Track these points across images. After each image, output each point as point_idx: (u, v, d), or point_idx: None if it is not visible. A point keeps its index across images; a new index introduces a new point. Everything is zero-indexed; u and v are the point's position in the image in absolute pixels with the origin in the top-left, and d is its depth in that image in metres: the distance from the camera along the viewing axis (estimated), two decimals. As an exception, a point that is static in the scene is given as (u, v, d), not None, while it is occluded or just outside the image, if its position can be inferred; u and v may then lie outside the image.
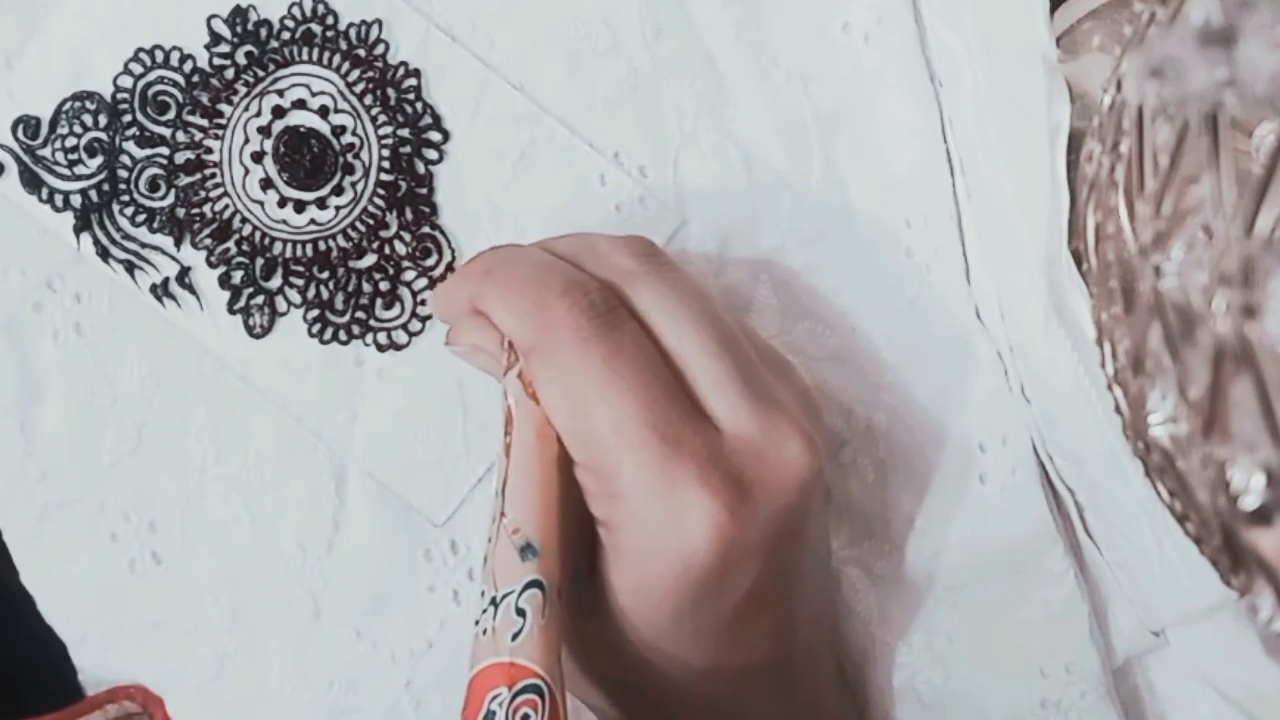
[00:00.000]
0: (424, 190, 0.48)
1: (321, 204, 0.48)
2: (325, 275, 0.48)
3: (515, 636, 0.38)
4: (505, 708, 0.37)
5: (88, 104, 0.47)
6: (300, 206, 0.48)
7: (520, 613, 0.38)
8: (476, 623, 0.39)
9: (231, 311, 0.48)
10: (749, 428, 0.40)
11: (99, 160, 0.47)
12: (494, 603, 0.38)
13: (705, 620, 0.40)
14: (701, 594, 0.39)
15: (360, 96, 0.48)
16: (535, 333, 0.40)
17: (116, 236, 0.47)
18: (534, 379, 0.41)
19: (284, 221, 0.48)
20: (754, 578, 0.40)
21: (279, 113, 0.48)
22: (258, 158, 0.48)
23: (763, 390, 0.41)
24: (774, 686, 0.44)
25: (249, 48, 0.48)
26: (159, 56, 0.47)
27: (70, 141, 0.47)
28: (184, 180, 0.48)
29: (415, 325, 0.49)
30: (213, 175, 0.48)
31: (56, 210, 0.47)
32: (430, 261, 0.48)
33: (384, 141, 0.48)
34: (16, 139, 0.47)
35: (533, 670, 0.37)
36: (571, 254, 0.43)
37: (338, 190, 0.48)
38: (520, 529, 0.39)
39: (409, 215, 0.48)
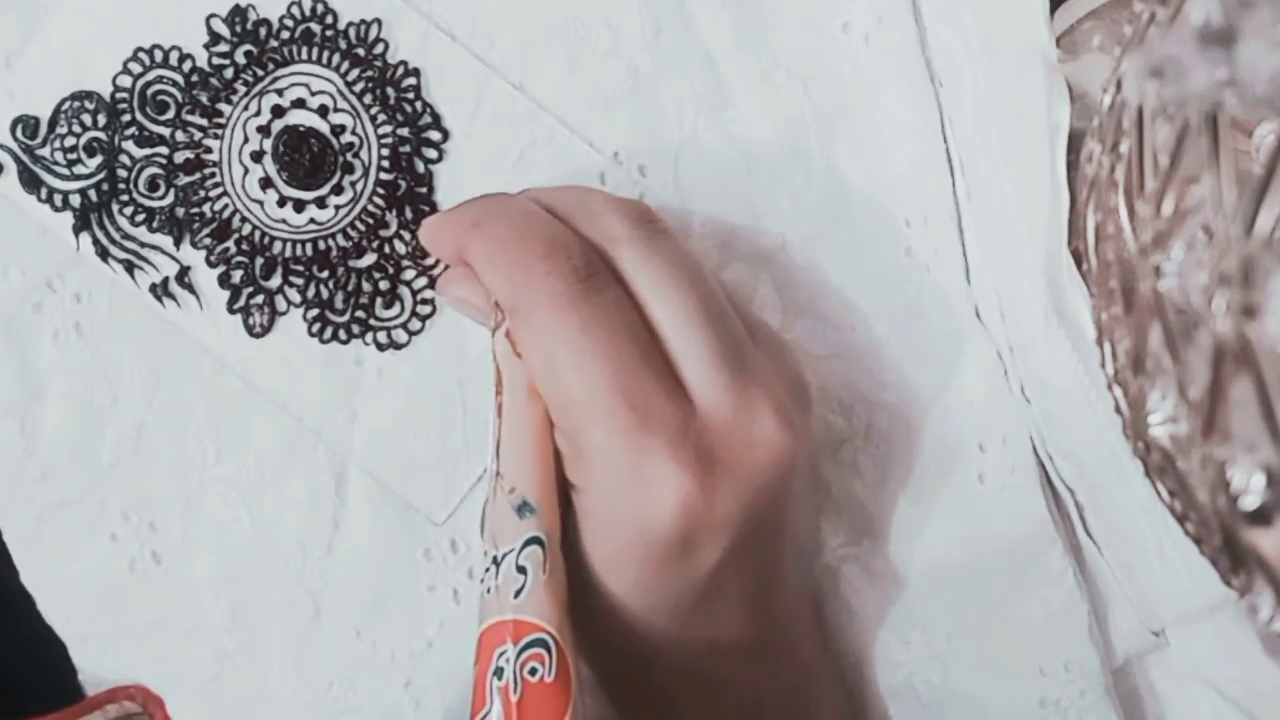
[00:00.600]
0: (424, 189, 0.48)
1: (321, 203, 0.48)
2: (325, 274, 0.48)
3: (518, 593, 0.38)
4: (512, 664, 0.37)
5: (87, 103, 0.47)
6: (300, 206, 0.48)
7: (521, 570, 0.38)
8: (481, 581, 0.39)
9: (231, 311, 0.48)
10: (723, 403, 0.39)
11: (98, 160, 0.47)
12: (495, 561, 0.39)
13: (669, 592, 0.40)
14: (664, 566, 0.39)
15: (360, 96, 0.48)
16: (516, 293, 0.40)
17: (116, 236, 0.47)
18: (515, 340, 0.41)
19: (284, 221, 0.48)
20: (721, 555, 0.40)
21: (278, 112, 0.48)
22: (257, 157, 0.48)
23: (743, 366, 0.40)
24: (749, 664, 0.44)
25: (248, 47, 0.48)
26: (158, 56, 0.47)
27: (69, 141, 0.47)
28: (183, 180, 0.48)
29: (415, 324, 0.49)
30: (212, 175, 0.48)
31: (56, 210, 0.47)
32: (430, 260, 0.48)
33: (383, 141, 0.48)
34: (16, 139, 0.47)
35: (537, 625, 0.38)
36: (564, 210, 0.42)
37: (337, 189, 0.48)
38: (516, 488, 0.40)
39: (409, 214, 0.48)
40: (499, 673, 0.38)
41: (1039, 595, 0.48)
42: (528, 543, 0.39)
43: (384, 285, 0.48)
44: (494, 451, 0.41)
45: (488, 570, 0.39)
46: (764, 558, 0.43)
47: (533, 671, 0.37)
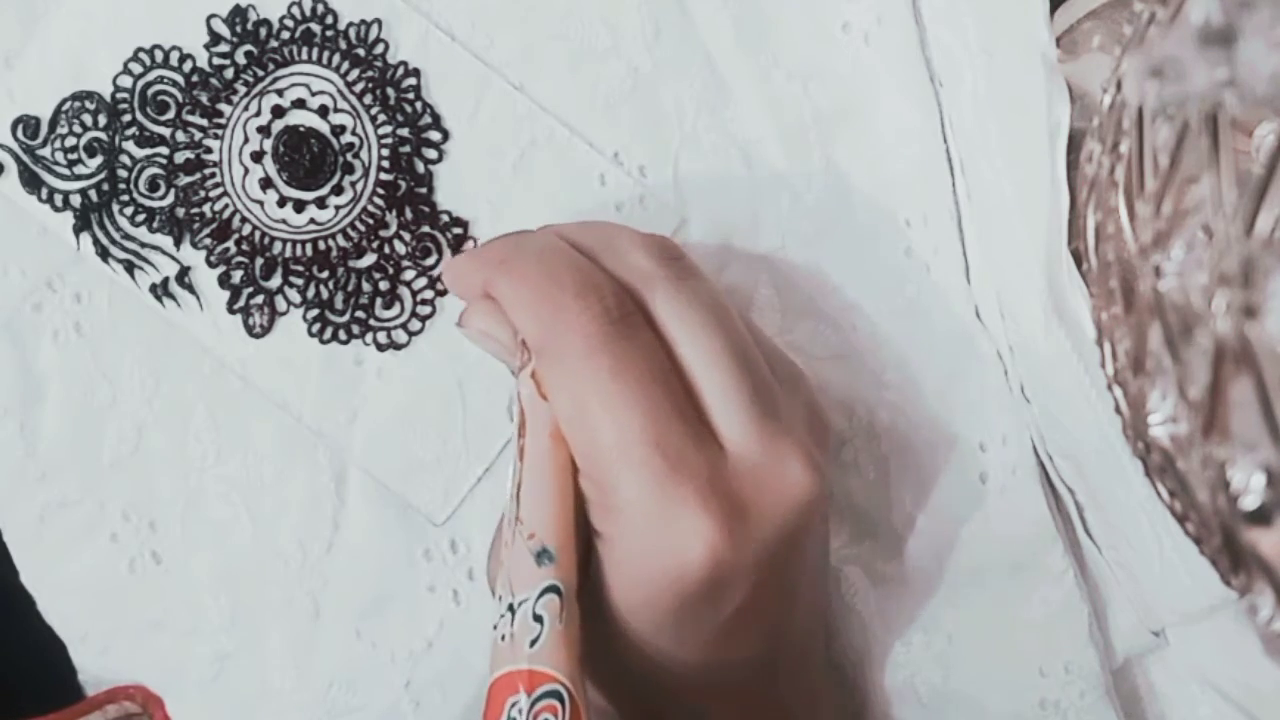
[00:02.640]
0: (424, 190, 0.48)
1: (321, 203, 0.48)
2: (325, 275, 0.48)
3: (533, 643, 0.37)
4: (525, 714, 0.37)
5: (87, 104, 0.47)
6: (300, 206, 0.48)
7: (538, 619, 0.38)
8: (494, 628, 0.39)
9: (231, 311, 0.48)
10: (754, 449, 0.39)
11: (99, 160, 0.47)
12: (511, 609, 0.38)
13: (695, 630, 0.40)
14: (691, 610, 0.39)
15: (360, 96, 0.48)
16: (546, 334, 0.39)
17: (116, 236, 0.47)
18: (543, 381, 0.40)
19: (284, 221, 0.48)
20: (746, 595, 0.40)
21: (278, 112, 0.48)
22: (257, 157, 0.48)
23: (771, 411, 0.40)
24: (760, 676, 0.44)
25: (248, 47, 0.48)
26: (158, 56, 0.47)
27: (70, 141, 0.47)
28: (184, 180, 0.48)
29: (415, 325, 0.49)
30: (212, 175, 0.48)
31: (56, 210, 0.47)
32: (430, 261, 0.48)
33: (383, 141, 0.48)
34: (16, 139, 0.47)
35: (552, 675, 0.37)
36: (590, 247, 0.42)
37: (337, 190, 0.48)
38: (536, 534, 0.39)
39: (409, 215, 0.48)
40: None
41: (1039, 596, 0.48)
42: (545, 591, 0.38)
43: (384, 285, 0.48)
44: (514, 495, 0.40)
45: (502, 617, 0.38)
46: (786, 589, 0.43)
47: None
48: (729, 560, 0.38)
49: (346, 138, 0.48)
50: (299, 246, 0.48)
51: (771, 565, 0.40)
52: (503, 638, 0.38)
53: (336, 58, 0.48)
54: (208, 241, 0.48)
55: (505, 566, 0.39)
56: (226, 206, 0.48)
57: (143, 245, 0.48)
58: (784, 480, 0.39)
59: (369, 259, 0.48)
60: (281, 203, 0.48)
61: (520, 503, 0.39)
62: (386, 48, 0.48)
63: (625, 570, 0.40)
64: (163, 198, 0.48)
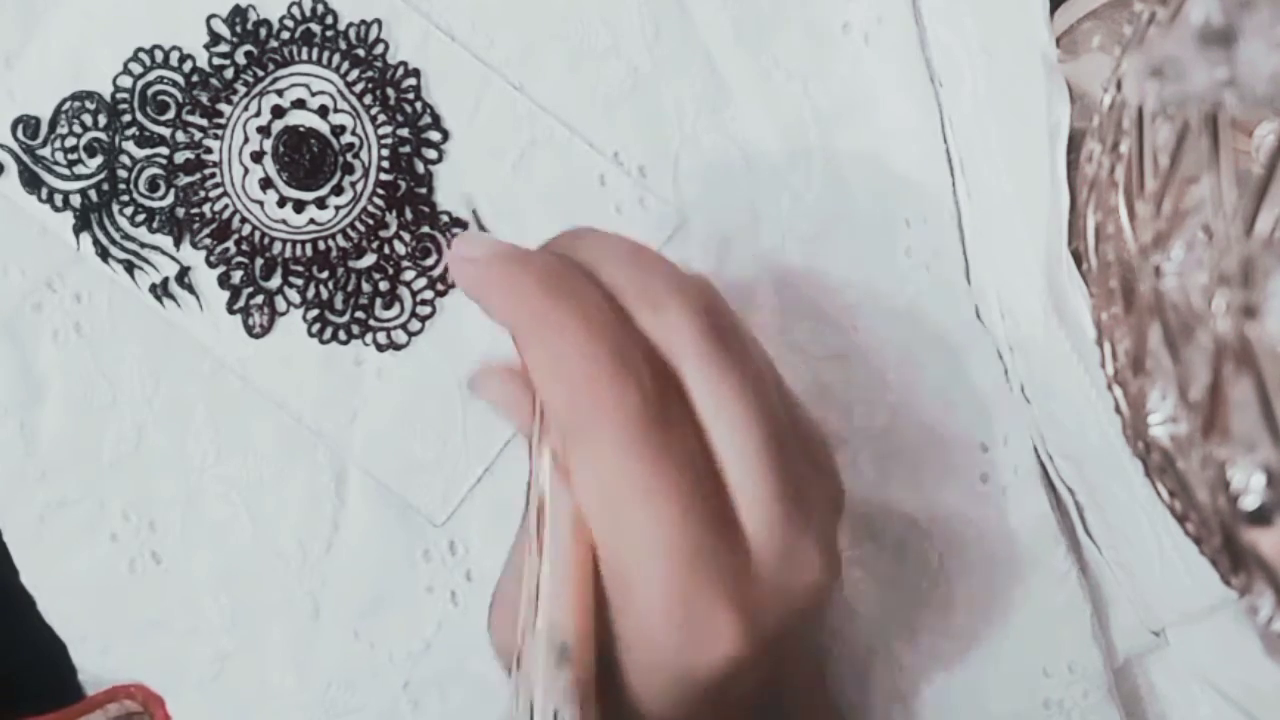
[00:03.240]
0: (423, 190, 0.48)
1: (321, 204, 0.48)
2: (325, 275, 0.48)
3: None
4: None
5: (87, 104, 0.47)
6: (300, 206, 0.48)
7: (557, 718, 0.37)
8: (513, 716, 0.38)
9: (231, 311, 0.48)
10: (778, 547, 0.37)
11: (99, 160, 0.47)
12: (530, 712, 0.37)
13: (706, 709, 0.39)
14: (705, 696, 0.38)
15: (360, 96, 0.48)
16: (579, 417, 0.36)
17: (116, 236, 0.47)
18: (570, 464, 0.37)
19: (283, 221, 0.48)
20: (760, 676, 0.39)
21: (278, 112, 0.48)
22: (257, 157, 0.48)
23: (798, 504, 0.38)
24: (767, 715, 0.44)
25: (248, 47, 0.48)
26: (158, 56, 0.47)
27: (70, 141, 0.47)
28: (183, 180, 0.48)
29: (415, 325, 0.49)
30: (212, 175, 0.48)
31: (56, 210, 0.47)
32: (429, 261, 0.48)
33: (383, 141, 0.48)
34: (16, 139, 0.47)
35: None
36: (629, 293, 0.38)
37: (337, 190, 0.48)
38: (557, 630, 0.37)
39: (408, 215, 0.48)
40: None
41: (1043, 596, 0.48)
42: (565, 690, 0.37)
43: (384, 286, 0.48)
44: (534, 594, 0.38)
45: (519, 713, 0.37)
46: (793, 655, 0.43)
47: None
48: (745, 657, 0.37)
49: (346, 138, 0.48)
50: (299, 247, 0.48)
51: (784, 646, 0.40)
52: None
53: (336, 58, 0.48)
54: (208, 241, 0.48)
55: (525, 663, 0.38)
56: (226, 207, 0.48)
57: (143, 245, 0.48)
58: (804, 574, 0.38)
59: (369, 259, 0.48)
60: (281, 203, 0.48)
61: (540, 600, 0.37)
62: (386, 48, 0.48)
63: (636, 663, 0.38)
64: (163, 198, 0.48)
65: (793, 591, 0.38)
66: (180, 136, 0.47)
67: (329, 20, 0.48)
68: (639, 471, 0.36)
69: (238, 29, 0.48)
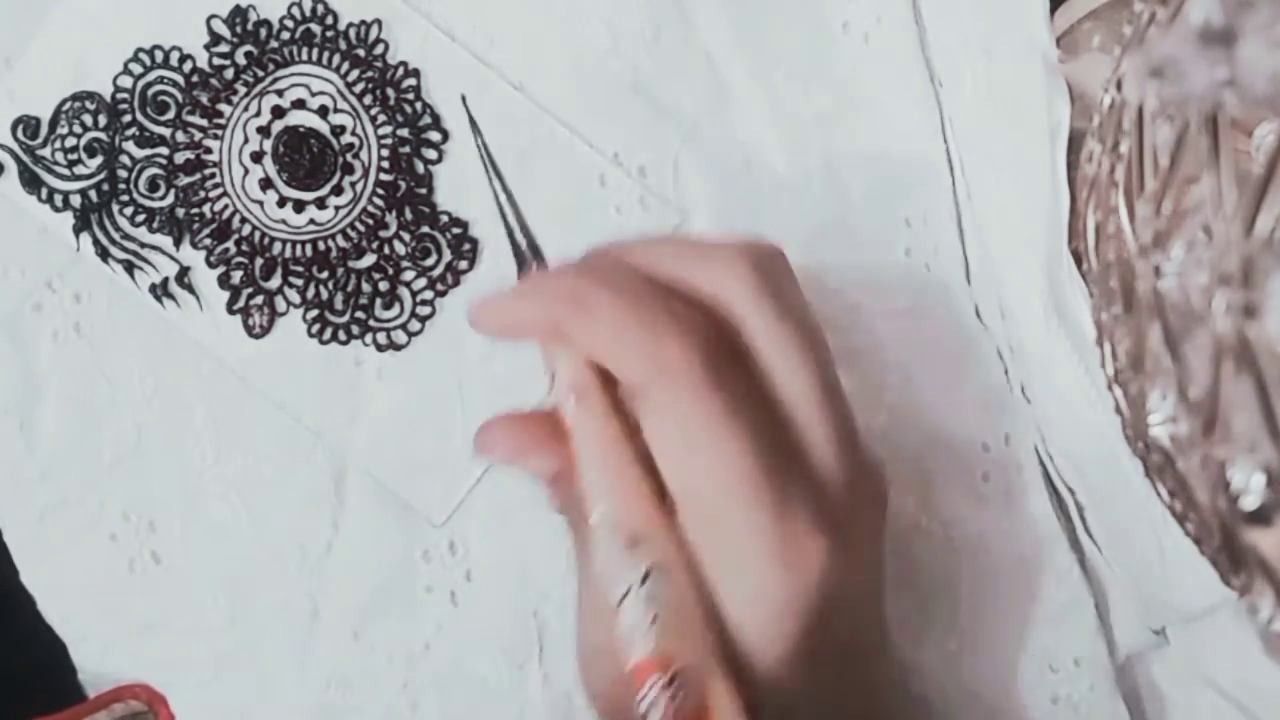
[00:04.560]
0: (423, 190, 0.48)
1: (321, 204, 0.48)
2: (324, 275, 0.48)
3: (650, 625, 0.38)
4: (662, 694, 0.37)
5: (87, 104, 0.47)
6: (299, 206, 0.48)
7: (649, 601, 0.38)
8: (615, 626, 0.38)
9: (231, 311, 0.48)
10: (846, 479, 0.39)
11: (99, 160, 0.47)
12: (620, 600, 0.38)
13: (794, 656, 0.40)
14: (809, 624, 0.39)
15: (360, 96, 0.48)
16: (648, 373, 0.37)
17: (116, 236, 0.47)
18: (644, 425, 0.38)
19: (283, 221, 0.48)
20: (846, 622, 0.40)
21: (278, 113, 0.48)
22: (257, 158, 0.48)
23: (853, 436, 0.40)
24: (850, 667, 0.44)
25: (248, 48, 0.48)
26: (159, 56, 0.47)
27: (70, 141, 0.47)
28: (183, 180, 0.48)
29: (414, 325, 0.49)
30: (212, 175, 0.48)
31: (56, 210, 0.47)
32: (429, 261, 0.48)
33: (383, 141, 0.48)
34: (16, 139, 0.47)
35: (677, 653, 0.38)
36: (677, 268, 0.39)
37: (337, 190, 0.48)
38: (620, 523, 0.38)
39: (408, 215, 0.48)
40: (652, 705, 0.37)
41: (1047, 592, 0.48)
42: (646, 575, 0.38)
43: (383, 286, 0.48)
44: (588, 494, 0.39)
45: (616, 609, 0.38)
46: (875, 594, 0.44)
47: (679, 698, 0.37)
48: (841, 582, 0.39)
49: (346, 138, 0.48)
50: (299, 247, 0.48)
51: (871, 579, 0.42)
52: (624, 631, 0.38)
53: (336, 58, 0.48)
54: (207, 242, 0.48)
55: (602, 565, 0.39)
56: (226, 207, 0.48)
57: (142, 245, 0.48)
58: (872, 498, 0.41)
59: (368, 259, 0.48)
60: (281, 203, 0.48)
61: (592, 498, 0.39)
62: (386, 48, 0.48)
63: (741, 603, 0.39)
64: (162, 198, 0.48)
65: (868, 519, 0.41)
66: (180, 137, 0.47)
67: (329, 20, 0.48)
68: (710, 415, 0.37)
69: (238, 29, 0.48)
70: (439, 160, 0.48)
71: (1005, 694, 0.49)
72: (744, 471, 0.37)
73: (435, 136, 0.48)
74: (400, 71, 0.48)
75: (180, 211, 0.48)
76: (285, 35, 0.48)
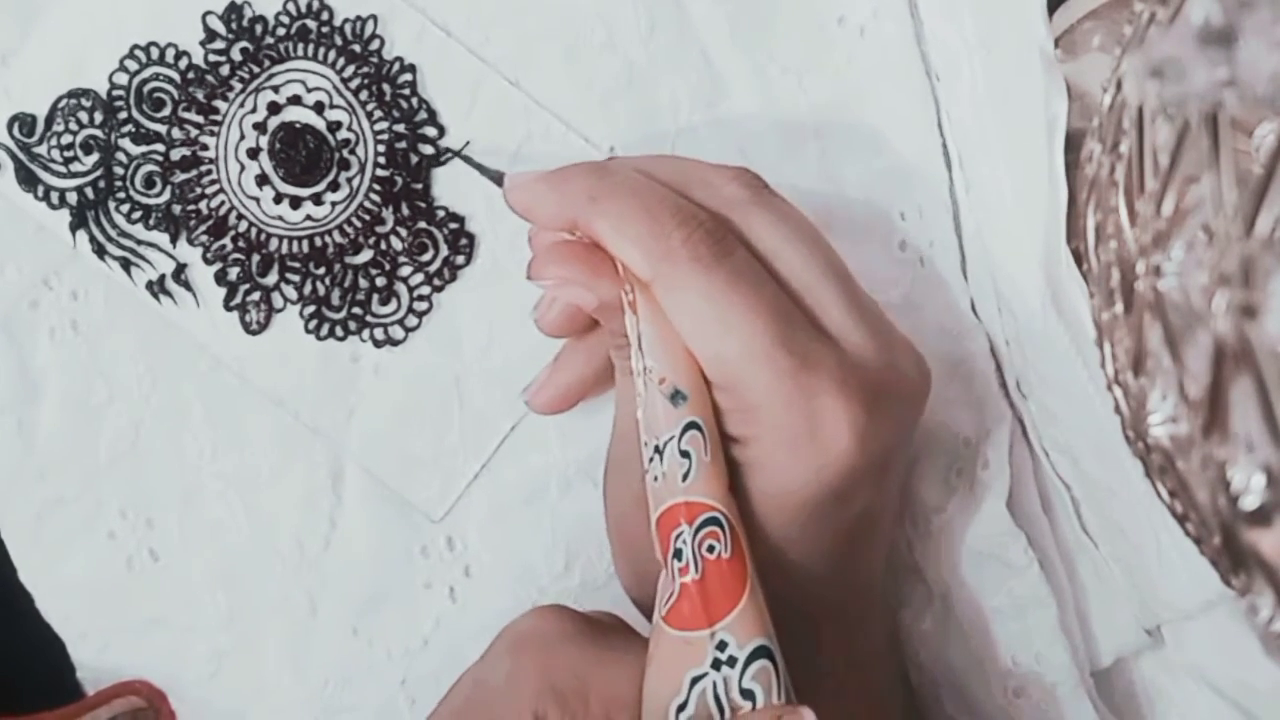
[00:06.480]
0: (419, 186, 0.48)
1: (317, 200, 0.48)
2: (321, 271, 0.48)
3: (685, 477, 0.39)
4: (690, 544, 0.38)
5: (83, 101, 0.47)
6: (296, 202, 0.48)
7: (685, 454, 0.39)
8: (647, 471, 0.40)
9: (228, 308, 0.48)
10: (868, 345, 0.41)
11: (95, 157, 0.47)
12: (658, 450, 0.40)
13: (822, 533, 0.41)
14: (832, 501, 0.40)
15: (356, 92, 0.48)
16: (657, 263, 0.40)
17: (112, 233, 0.47)
18: (667, 310, 0.41)
19: (280, 218, 0.48)
20: (870, 495, 0.42)
21: (274, 109, 0.48)
22: (253, 154, 0.48)
23: (877, 316, 0.42)
24: (863, 599, 0.45)
25: (244, 44, 0.48)
26: (154, 53, 0.47)
27: (66, 139, 0.47)
28: (180, 177, 0.47)
29: (412, 321, 0.49)
30: (208, 172, 0.48)
31: (52, 207, 0.47)
32: (426, 257, 0.48)
33: (380, 137, 0.48)
34: (12, 136, 0.47)
35: (708, 505, 0.39)
36: (677, 182, 0.43)
37: (333, 186, 0.48)
38: (666, 378, 0.40)
39: (405, 211, 0.48)
40: (678, 554, 0.39)
41: (1006, 587, 0.48)
42: (686, 428, 0.40)
43: (380, 282, 0.48)
44: (636, 346, 0.41)
45: (651, 460, 0.40)
46: (892, 497, 0.45)
47: (710, 549, 0.38)
48: (872, 442, 0.40)
49: (342, 134, 0.48)
50: (295, 243, 0.48)
51: (891, 464, 0.42)
52: (655, 478, 0.40)
53: (332, 54, 0.48)
54: (204, 238, 0.48)
55: (643, 414, 0.41)
56: (223, 203, 0.48)
57: (139, 242, 0.48)
58: (902, 376, 0.42)
59: (365, 255, 0.48)
60: (278, 199, 0.48)
61: (644, 352, 0.41)
62: (382, 43, 0.48)
63: (765, 470, 0.40)
64: (159, 195, 0.48)
65: (895, 395, 0.41)
66: (176, 133, 0.47)
67: (324, 16, 0.48)
68: (721, 291, 0.40)
69: (233, 26, 0.48)
70: (435, 155, 0.48)
71: (973, 682, 0.49)
72: (758, 331, 0.39)
73: (431, 132, 0.48)
74: (396, 67, 0.48)
75: (177, 208, 0.48)
76: (281, 31, 0.48)
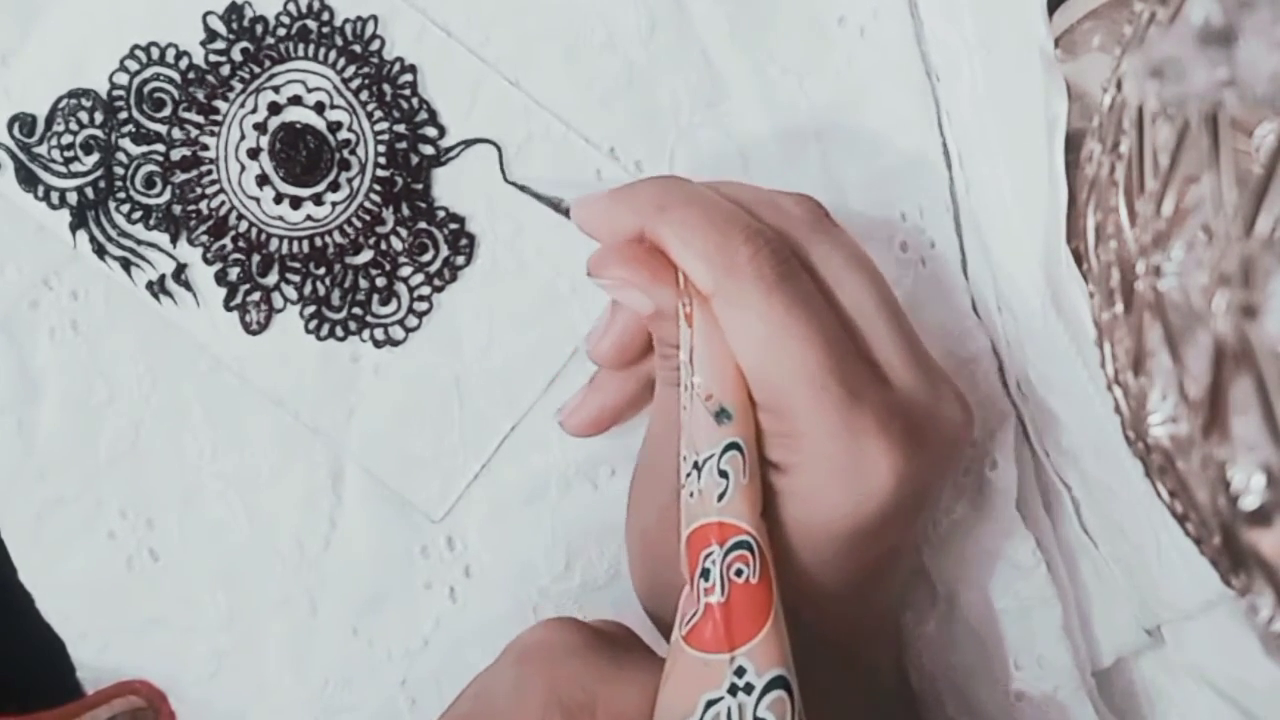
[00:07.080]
0: (420, 186, 0.48)
1: (318, 200, 0.48)
2: (321, 271, 0.48)
3: (721, 497, 0.39)
4: (719, 565, 0.38)
5: (84, 101, 0.47)
6: (296, 203, 0.48)
7: (723, 474, 0.39)
8: (683, 486, 0.40)
9: (228, 308, 0.48)
10: (919, 388, 0.41)
11: (95, 157, 0.47)
12: (696, 466, 0.40)
13: (854, 563, 0.41)
14: (863, 537, 0.40)
15: (356, 92, 0.48)
16: (720, 276, 0.40)
17: (113, 233, 0.47)
18: (724, 326, 0.41)
19: (280, 218, 0.48)
20: (904, 530, 0.42)
21: (275, 109, 0.48)
22: (254, 154, 0.48)
23: (926, 356, 0.42)
24: (887, 624, 0.46)
25: (245, 44, 0.48)
26: (155, 53, 0.47)
27: (66, 139, 0.47)
28: (180, 177, 0.47)
29: (412, 321, 0.49)
30: (209, 172, 0.48)
31: (53, 207, 0.47)
32: (426, 257, 0.48)
33: (380, 137, 0.48)
34: (13, 136, 0.47)
35: (741, 528, 0.39)
36: (746, 201, 0.43)
37: (334, 186, 0.48)
38: (713, 395, 0.40)
39: (405, 211, 0.48)
40: (706, 574, 0.39)
41: (1012, 589, 0.48)
42: (727, 448, 0.40)
43: (380, 282, 0.48)
44: (688, 360, 0.41)
45: (688, 475, 0.40)
46: (916, 534, 0.45)
47: (738, 573, 0.38)
48: (910, 486, 0.40)
49: (343, 134, 0.48)
50: (295, 243, 0.48)
51: (925, 504, 0.42)
52: (691, 494, 0.40)
53: (332, 54, 0.48)
54: (204, 238, 0.48)
55: (686, 428, 0.41)
56: (223, 203, 0.48)
57: (139, 242, 0.48)
58: (946, 419, 0.42)
59: (365, 255, 0.48)
60: (278, 199, 0.48)
61: (694, 366, 0.41)
62: (382, 44, 0.48)
63: (803, 497, 0.40)
64: (159, 195, 0.48)
65: (938, 438, 0.41)
66: (177, 133, 0.47)
67: (325, 16, 0.48)
68: (781, 312, 0.39)
69: (234, 26, 0.48)
70: (436, 156, 0.48)
71: (975, 684, 0.49)
72: (811, 359, 0.39)
73: (432, 132, 0.48)
74: (396, 67, 0.48)
75: (177, 208, 0.48)
76: (281, 32, 0.48)
